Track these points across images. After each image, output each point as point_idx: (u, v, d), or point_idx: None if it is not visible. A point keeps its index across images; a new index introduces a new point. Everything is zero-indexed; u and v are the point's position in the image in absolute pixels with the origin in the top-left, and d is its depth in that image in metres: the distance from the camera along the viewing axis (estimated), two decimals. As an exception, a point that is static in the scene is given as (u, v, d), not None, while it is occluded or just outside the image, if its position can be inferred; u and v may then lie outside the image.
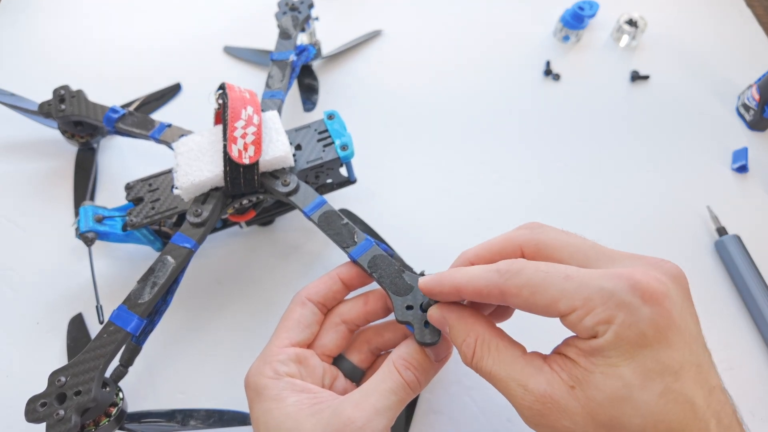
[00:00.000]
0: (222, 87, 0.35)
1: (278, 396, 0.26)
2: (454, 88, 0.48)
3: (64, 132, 0.41)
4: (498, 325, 0.26)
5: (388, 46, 0.50)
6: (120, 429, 0.30)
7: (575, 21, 0.49)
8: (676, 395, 0.20)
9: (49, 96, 0.40)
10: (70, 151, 0.43)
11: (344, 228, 0.32)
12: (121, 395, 0.29)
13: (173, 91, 0.46)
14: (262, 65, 0.48)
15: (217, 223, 0.38)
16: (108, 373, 0.30)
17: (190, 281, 0.38)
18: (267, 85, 0.39)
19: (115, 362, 0.30)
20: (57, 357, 0.35)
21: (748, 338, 0.37)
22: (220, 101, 0.35)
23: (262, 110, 0.36)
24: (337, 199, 0.41)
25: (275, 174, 0.34)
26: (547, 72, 0.48)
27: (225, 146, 0.32)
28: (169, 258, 0.32)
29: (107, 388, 0.28)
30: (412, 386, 0.27)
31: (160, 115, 0.45)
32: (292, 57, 0.41)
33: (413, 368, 0.27)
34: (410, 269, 0.32)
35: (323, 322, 0.31)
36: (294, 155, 0.36)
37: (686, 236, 0.41)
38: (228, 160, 0.32)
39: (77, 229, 0.34)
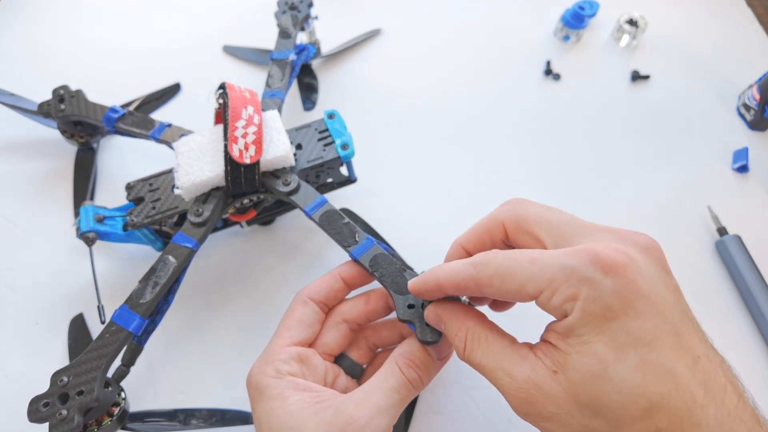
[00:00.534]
0: (222, 87, 0.35)
1: (280, 395, 0.27)
2: (455, 88, 0.48)
3: (63, 132, 0.41)
4: (502, 315, 0.27)
5: (387, 45, 0.50)
6: (122, 429, 0.30)
7: (575, 20, 0.49)
8: (653, 366, 0.20)
9: (48, 96, 0.40)
10: (69, 151, 0.43)
11: (345, 227, 0.32)
12: (123, 395, 0.29)
13: (173, 90, 0.46)
14: (262, 64, 0.48)
15: (218, 223, 0.38)
16: (110, 373, 0.30)
17: (191, 281, 0.38)
18: (267, 84, 0.39)
19: (117, 362, 0.30)
20: (58, 357, 0.35)
21: (749, 338, 0.37)
22: (221, 101, 0.35)
23: (263, 110, 0.36)
24: (338, 199, 0.41)
25: (276, 173, 0.34)
26: (548, 72, 0.48)
27: (226, 146, 0.32)
28: (171, 258, 0.32)
29: (109, 388, 0.28)
30: (414, 384, 0.27)
31: (159, 115, 0.45)
32: (292, 56, 0.41)
33: (415, 366, 0.27)
34: (411, 269, 0.32)
35: (324, 321, 0.31)
36: (294, 155, 0.36)
37: (687, 236, 0.41)
38: (229, 160, 0.32)
39: (78, 229, 0.34)
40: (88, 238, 0.34)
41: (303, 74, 0.47)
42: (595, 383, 0.21)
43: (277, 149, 0.34)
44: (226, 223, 0.38)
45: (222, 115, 0.35)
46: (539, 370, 0.22)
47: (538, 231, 0.25)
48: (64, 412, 0.26)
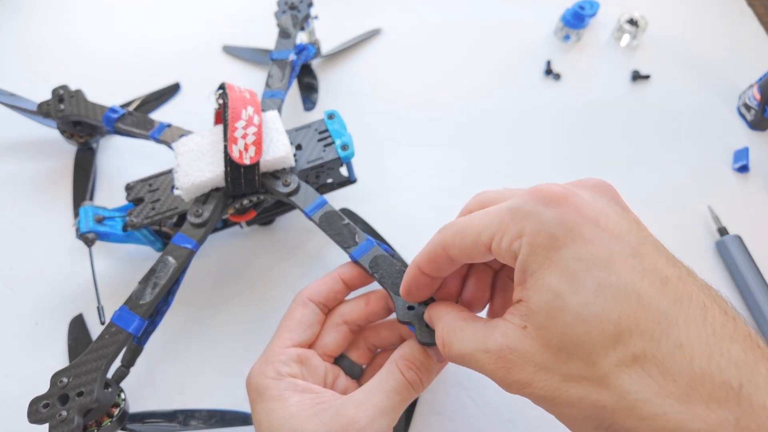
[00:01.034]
0: (222, 87, 0.35)
1: (280, 396, 0.27)
2: (455, 88, 0.48)
3: (63, 132, 0.41)
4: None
5: (387, 45, 0.50)
6: (122, 429, 0.30)
7: (576, 20, 0.48)
8: (613, 289, 0.19)
9: (48, 96, 0.40)
10: (69, 150, 0.43)
11: (345, 228, 0.32)
12: (122, 396, 0.29)
13: (172, 90, 0.46)
14: (262, 64, 0.48)
15: (218, 224, 0.38)
16: (109, 374, 0.30)
17: (191, 281, 0.38)
18: (267, 84, 0.39)
19: (117, 363, 0.30)
20: (57, 358, 0.35)
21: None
22: (220, 101, 0.35)
23: (263, 110, 0.36)
24: (338, 199, 0.41)
25: (276, 174, 0.34)
26: (548, 71, 0.48)
27: (226, 147, 0.32)
28: (170, 258, 0.32)
29: (109, 389, 0.28)
30: (414, 386, 0.27)
31: (159, 115, 0.45)
32: (292, 56, 0.41)
33: (415, 368, 0.27)
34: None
35: (324, 322, 0.31)
36: (294, 155, 0.36)
37: (687, 236, 0.41)
38: (229, 161, 0.32)
39: (78, 230, 0.34)
40: (87, 238, 0.34)
41: (303, 74, 0.47)
42: (557, 319, 0.20)
43: (277, 150, 0.34)
44: (226, 224, 0.38)
45: (222, 116, 0.34)
46: (510, 332, 0.21)
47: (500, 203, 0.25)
48: (64, 413, 0.26)
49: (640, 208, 0.42)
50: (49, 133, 0.43)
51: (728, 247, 0.39)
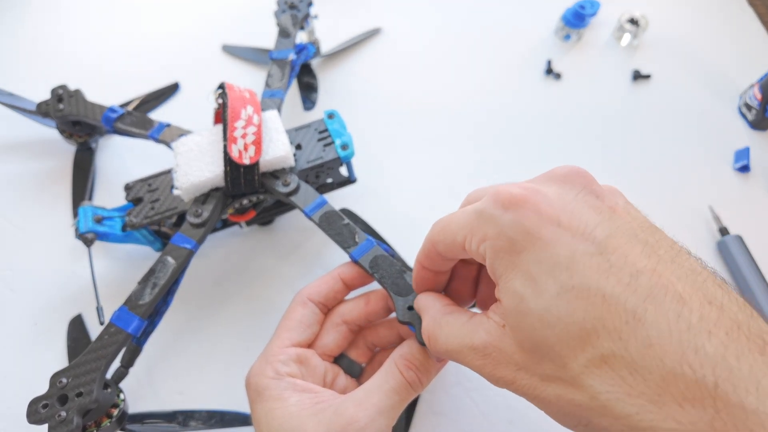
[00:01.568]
0: (221, 86, 0.35)
1: (280, 396, 0.26)
2: (455, 87, 0.48)
3: (62, 131, 0.41)
4: None
5: (387, 45, 0.50)
6: (121, 430, 0.30)
7: (576, 20, 0.48)
8: (576, 291, 0.18)
9: (47, 95, 0.40)
10: (68, 150, 0.43)
11: (345, 228, 0.32)
12: (122, 396, 0.29)
13: (171, 90, 0.46)
14: (262, 64, 0.48)
15: (217, 224, 0.38)
16: (109, 375, 0.30)
17: (190, 282, 0.38)
18: (266, 84, 0.39)
19: (116, 363, 0.30)
20: (56, 358, 0.35)
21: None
22: (220, 101, 0.35)
23: (262, 110, 0.36)
24: (338, 199, 0.41)
25: (275, 174, 0.34)
26: (548, 71, 0.48)
27: (225, 146, 0.32)
28: (170, 259, 0.31)
29: (108, 389, 0.28)
30: (413, 386, 0.27)
31: (158, 115, 0.45)
32: (292, 56, 0.41)
33: (415, 368, 0.27)
34: (411, 269, 0.31)
35: (324, 322, 0.31)
36: (294, 155, 0.36)
37: (688, 236, 0.41)
38: (228, 161, 0.32)
39: (77, 230, 0.34)
40: (86, 238, 0.34)
41: (303, 74, 0.47)
42: (525, 323, 0.19)
43: (277, 150, 0.34)
44: (226, 224, 0.38)
45: (221, 115, 0.34)
46: (493, 330, 0.21)
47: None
48: (63, 413, 0.26)
49: (642, 208, 0.42)
50: (48, 132, 0.43)
51: (729, 248, 0.39)
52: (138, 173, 0.37)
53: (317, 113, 0.46)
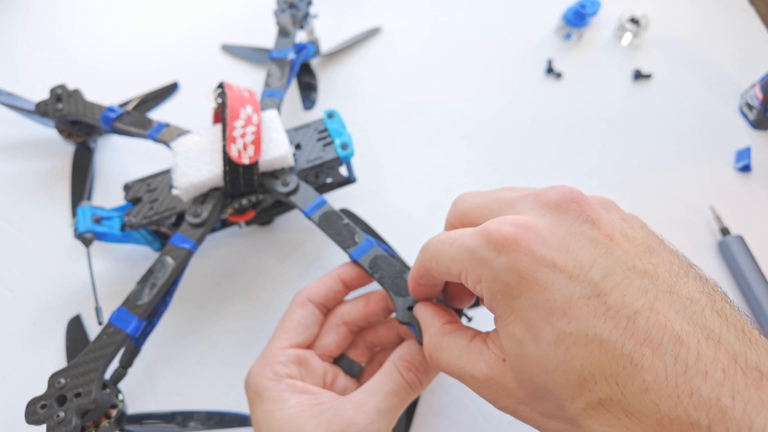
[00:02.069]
0: (221, 86, 0.34)
1: (279, 398, 0.26)
2: (455, 87, 0.47)
3: (61, 131, 0.41)
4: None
5: (387, 44, 0.50)
6: (120, 431, 0.29)
7: (577, 19, 0.48)
8: (574, 339, 0.18)
9: (46, 95, 0.40)
10: (67, 150, 0.43)
11: (345, 228, 0.32)
12: (120, 397, 0.29)
13: (170, 89, 0.46)
14: (261, 63, 0.48)
15: (216, 224, 0.38)
16: (107, 375, 0.30)
17: (189, 282, 0.38)
18: (266, 83, 0.39)
19: (115, 364, 0.30)
20: (54, 358, 0.35)
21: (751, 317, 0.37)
22: (219, 100, 0.35)
23: (261, 109, 0.36)
24: (338, 199, 0.41)
25: (275, 174, 0.34)
26: (549, 70, 0.48)
27: (224, 146, 0.32)
28: (168, 259, 0.31)
29: (107, 390, 0.28)
30: (413, 387, 0.27)
31: (157, 114, 0.45)
32: (291, 55, 0.41)
33: (414, 370, 0.27)
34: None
35: (324, 323, 0.31)
36: (294, 155, 0.35)
37: (689, 236, 0.41)
38: (227, 160, 0.32)
39: (75, 230, 0.34)
40: (85, 238, 0.33)
41: (302, 73, 0.47)
42: (524, 366, 0.19)
43: (276, 149, 0.34)
44: (225, 224, 0.38)
45: (220, 115, 0.34)
46: (493, 363, 0.21)
47: (475, 219, 0.24)
48: (62, 414, 0.26)
49: (641, 208, 0.42)
50: (47, 132, 0.43)
51: (730, 248, 0.39)
52: (137, 173, 0.37)
53: (317, 113, 0.46)
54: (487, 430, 0.34)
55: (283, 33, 0.42)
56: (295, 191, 0.34)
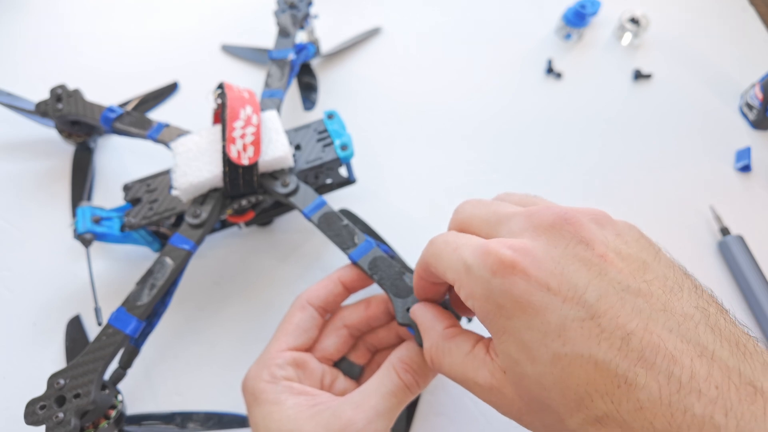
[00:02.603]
0: (220, 86, 0.34)
1: (277, 399, 0.26)
2: (455, 87, 0.47)
3: (61, 131, 0.41)
4: None
5: (388, 44, 0.50)
6: (119, 431, 0.29)
7: (577, 19, 0.48)
8: (569, 360, 0.18)
9: (46, 95, 0.40)
10: (67, 150, 0.43)
11: (344, 229, 0.32)
12: (120, 398, 0.29)
13: (170, 90, 0.46)
14: (261, 64, 0.48)
15: (216, 224, 0.38)
16: (107, 376, 0.30)
17: (189, 282, 0.38)
18: (266, 84, 0.39)
19: (114, 364, 0.30)
20: (54, 359, 0.35)
21: (749, 326, 0.37)
22: (219, 100, 0.35)
23: (261, 110, 0.36)
24: (338, 199, 0.41)
25: (275, 174, 0.34)
26: (549, 70, 0.48)
27: (224, 147, 0.32)
28: (168, 259, 0.31)
29: (106, 391, 0.28)
30: (411, 389, 0.27)
31: (157, 115, 0.45)
32: (291, 55, 0.41)
33: (413, 371, 0.27)
34: (411, 271, 0.31)
35: (325, 326, 0.31)
36: (293, 155, 0.35)
37: (689, 236, 0.41)
38: (227, 161, 0.32)
39: (75, 230, 0.34)
40: (84, 239, 0.33)
41: (303, 74, 0.47)
42: (522, 383, 0.20)
43: (276, 150, 0.34)
44: (224, 225, 0.38)
45: (220, 115, 0.34)
46: (496, 373, 0.22)
47: (474, 230, 0.25)
48: (61, 414, 0.26)
49: (641, 208, 0.42)
50: (47, 132, 0.43)
51: (730, 248, 0.39)
52: (137, 173, 0.37)
53: (317, 113, 0.46)
54: (487, 429, 0.34)
55: (284, 33, 0.42)
56: (294, 192, 0.33)
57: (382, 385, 0.27)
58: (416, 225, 0.41)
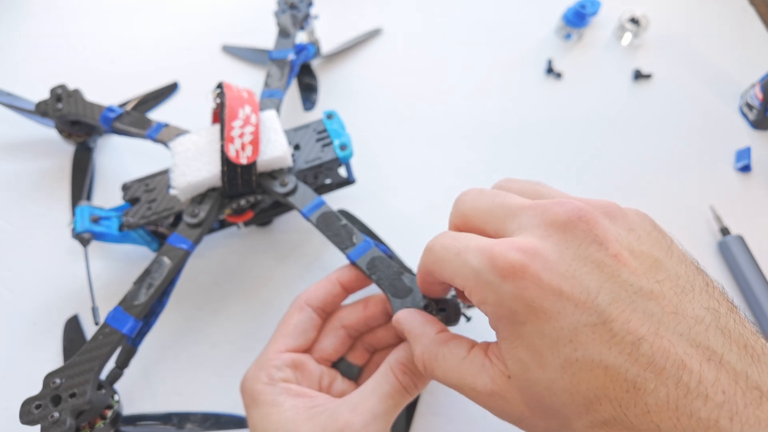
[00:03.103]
0: (219, 86, 0.34)
1: (274, 401, 0.26)
2: (455, 87, 0.47)
3: (61, 131, 0.41)
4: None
5: (388, 45, 0.50)
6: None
7: (577, 19, 0.48)
8: (580, 365, 0.18)
9: (46, 95, 0.40)
10: (67, 150, 0.43)
11: (343, 229, 0.32)
12: (116, 397, 0.29)
13: (170, 90, 0.46)
14: (261, 64, 0.48)
15: (215, 224, 0.38)
16: (103, 375, 0.29)
17: (188, 282, 0.38)
18: (265, 84, 0.39)
19: (111, 364, 0.30)
20: (53, 358, 0.35)
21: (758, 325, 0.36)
22: (218, 100, 0.35)
23: (261, 110, 0.36)
24: (337, 200, 0.41)
25: (273, 174, 0.34)
26: (549, 70, 0.48)
27: (222, 146, 0.32)
28: (165, 259, 0.31)
29: (102, 390, 0.28)
30: (409, 390, 0.27)
31: (157, 114, 0.45)
32: (291, 56, 0.41)
33: (410, 372, 0.27)
34: (410, 271, 0.31)
35: (323, 327, 0.31)
36: (292, 155, 0.35)
37: (689, 236, 0.41)
38: (225, 160, 0.32)
39: (73, 230, 0.34)
40: (83, 238, 0.33)
41: (303, 74, 0.47)
42: (530, 388, 0.20)
43: (275, 150, 0.33)
44: (223, 225, 0.38)
45: (219, 115, 0.34)
46: (498, 378, 0.21)
47: (478, 223, 0.24)
48: (56, 414, 0.26)
49: (641, 208, 0.41)
50: (46, 132, 0.43)
51: (730, 248, 0.38)
52: (137, 173, 0.37)
53: (317, 114, 0.46)
54: (487, 429, 0.34)
55: (284, 34, 0.42)
56: (293, 192, 0.33)
57: (379, 386, 0.27)
58: (415, 225, 0.41)
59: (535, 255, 0.20)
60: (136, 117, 0.38)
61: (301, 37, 0.46)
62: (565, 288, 0.19)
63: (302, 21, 0.43)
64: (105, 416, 0.28)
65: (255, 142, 0.33)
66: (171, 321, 0.36)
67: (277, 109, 0.37)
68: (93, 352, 0.28)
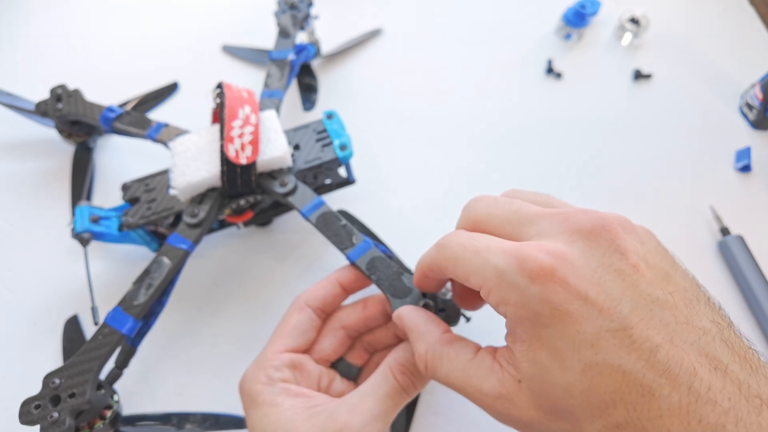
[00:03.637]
0: (219, 86, 0.34)
1: (273, 401, 0.26)
2: (455, 87, 0.47)
3: (61, 131, 0.41)
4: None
5: (388, 45, 0.50)
6: (115, 432, 0.29)
7: (577, 19, 0.48)
8: (600, 369, 0.19)
9: (46, 95, 0.40)
10: (67, 150, 0.43)
11: (342, 229, 0.32)
12: (116, 398, 0.29)
13: (170, 90, 0.46)
14: (262, 64, 0.48)
15: (214, 224, 0.38)
16: (103, 375, 0.29)
17: (187, 283, 0.38)
18: (265, 84, 0.39)
19: (111, 364, 0.30)
20: (53, 358, 0.35)
21: (752, 340, 0.36)
22: (218, 100, 0.35)
23: (261, 110, 0.36)
24: (337, 200, 0.41)
25: (273, 174, 0.34)
26: (549, 70, 0.48)
27: (222, 145, 0.32)
28: (165, 259, 0.31)
29: (102, 391, 0.28)
30: (407, 391, 0.27)
31: (157, 114, 0.45)
32: (291, 56, 0.41)
33: (409, 373, 0.27)
34: (409, 271, 0.31)
35: (323, 327, 0.31)
36: (292, 155, 0.35)
37: (689, 236, 0.41)
38: (225, 160, 0.32)
39: (73, 230, 0.34)
40: (82, 238, 0.33)
41: (303, 74, 0.47)
42: (546, 390, 0.20)
43: (275, 150, 0.33)
44: (223, 225, 0.38)
45: (218, 115, 0.34)
46: (507, 382, 0.22)
47: (491, 229, 0.24)
48: (56, 414, 0.26)
49: (641, 208, 0.42)
50: (46, 132, 0.43)
51: (730, 248, 0.38)
52: (137, 173, 0.37)
53: (317, 114, 0.46)
54: (486, 429, 0.34)
55: (284, 34, 0.42)
56: (292, 192, 0.33)
57: (378, 387, 0.27)
58: (415, 226, 0.41)
59: (563, 259, 0.20)
60: (136, 117, 0.38)
61: (301, 38, 0.46)
62: (590, 293, 0.20)
63: (302, 21, 0.43)
64: (104, 416, 0.28)
65: (255, 142, 0.33)
66: (171, 321, 0.36)
67: (277, 109, 0.37)
68: (92, 353, 0.28)
